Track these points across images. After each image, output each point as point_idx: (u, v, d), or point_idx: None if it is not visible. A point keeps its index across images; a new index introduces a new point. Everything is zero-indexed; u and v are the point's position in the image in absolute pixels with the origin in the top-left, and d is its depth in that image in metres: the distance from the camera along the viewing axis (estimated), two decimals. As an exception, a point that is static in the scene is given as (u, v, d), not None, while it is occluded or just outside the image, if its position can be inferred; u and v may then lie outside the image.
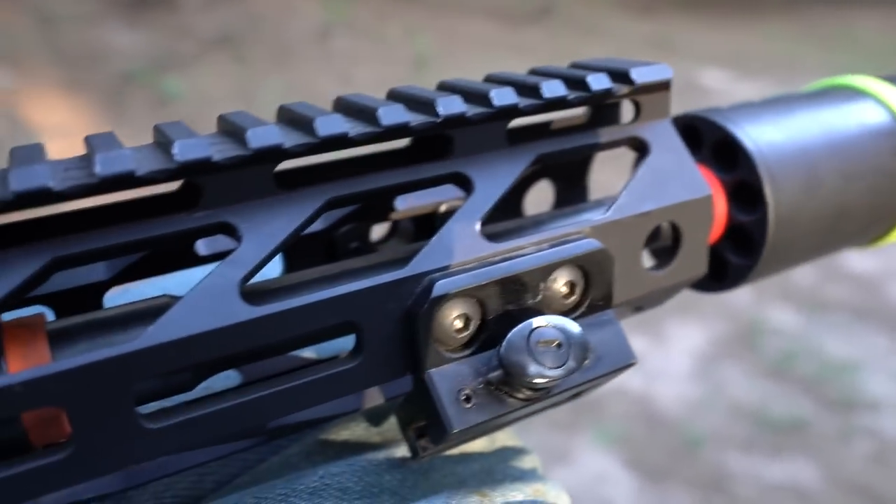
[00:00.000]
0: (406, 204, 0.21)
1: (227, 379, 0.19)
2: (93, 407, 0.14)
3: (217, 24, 3.37)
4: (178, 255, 0.19)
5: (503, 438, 0.23)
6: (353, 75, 3.04)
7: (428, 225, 0.21)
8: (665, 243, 0.21)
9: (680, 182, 0.20)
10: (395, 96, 0.19)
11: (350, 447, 0.19)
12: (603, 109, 0.21)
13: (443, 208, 0.21)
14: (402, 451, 0.20)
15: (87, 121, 2.72)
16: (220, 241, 0.21)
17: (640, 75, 0.19)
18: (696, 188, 0.20)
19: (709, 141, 0.22)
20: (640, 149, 0.21)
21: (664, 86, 0.20)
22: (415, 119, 0.16)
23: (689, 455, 1.36)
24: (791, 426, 1.43)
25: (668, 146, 0.20)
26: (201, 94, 2.90)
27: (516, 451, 0.22)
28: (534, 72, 0.20)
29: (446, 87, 0.19)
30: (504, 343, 0.16)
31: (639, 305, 0.21)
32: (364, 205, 0.21)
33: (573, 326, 0.17)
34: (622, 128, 0.20)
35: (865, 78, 0.25)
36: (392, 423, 0.21)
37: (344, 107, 0.18)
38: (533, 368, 0.16)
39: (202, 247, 0.21)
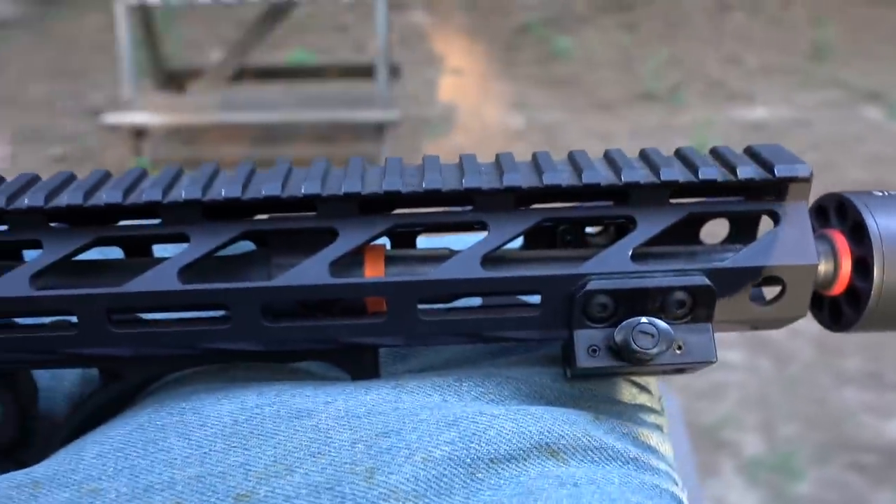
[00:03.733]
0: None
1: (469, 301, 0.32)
2: (399, 299, 0.27)
3: (623, -12, 3.42)
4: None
5: (645, 399, 0.32)
6: (741, 58, 2.91)
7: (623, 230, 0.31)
8: (776, 286, 0.29)
9: (795, 250, 0.27)
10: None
11: (530, 362, 0.32)
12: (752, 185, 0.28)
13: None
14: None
15: (480, 64, 2.96)
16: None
17: (781, 171, 0.27)
18: (806, 257, 0.27)
19: (850, 218, 0.29)
20: (775, 219, 0.28)
21: (804, 179, 0.27)
22: (606, 178, 0.28)
23: None
24: None
25: (796, 222, 0.28)
26: (587, 56, 2.99)
27: (650, 409, 0.32)
28: (714, 151, 0.29)
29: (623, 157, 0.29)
30: (619, 326, 0.26)
31: (754, 326, 0.29)
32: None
33: (664, 326, 0.26)
34: (765, 202, 0.28)
35: None
36: None
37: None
38: (632, 344, 0.26)
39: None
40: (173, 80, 2.40)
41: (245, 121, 2.23)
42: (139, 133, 2.19)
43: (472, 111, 2.59)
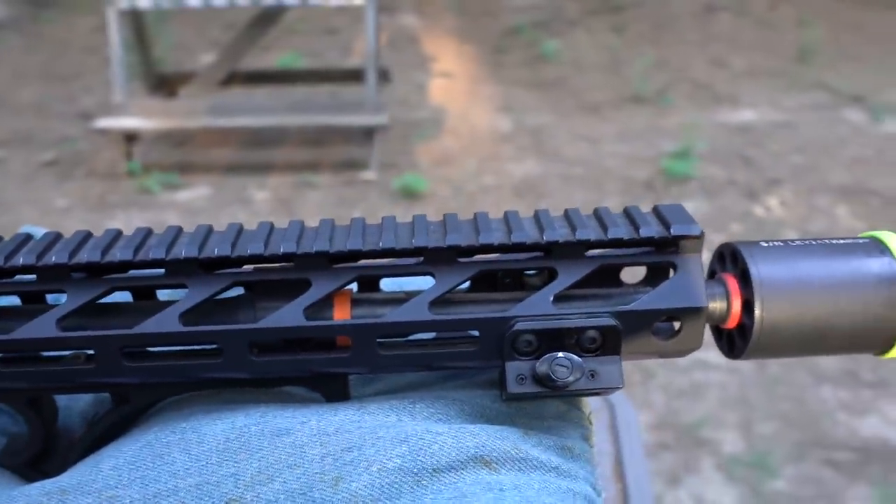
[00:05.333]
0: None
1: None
2: (361, 337, 0.31)
3: (603, -9, 3.45)
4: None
5: (573, 416, 0.36)
6: (727, 61, 2.94)
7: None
8: (674, 325, 0.34)
9: (688, 295, 0.32)
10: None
11: (474, 386, 0.36)
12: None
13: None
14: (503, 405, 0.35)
15: (470, 67, 2.99)
16: None
17: (676, 230, 0.32)
18: (697, 301, 0.32)
19: (740, 265, 0.34)
20: (673, 269, 0.33)
21: (696, 236, 0.32)
22: (531, 236, 0.33)
23: None
24: None
25: (690, 271, 0.32)
26: (575, 59, 3.01)
27: (578, 424, 0.36)
28: (626, 211, 0.34)
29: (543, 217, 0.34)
30: (541, 359, 0.31)
31: (660, 356, 0.34)
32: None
33: (577, 359, 0.31)
34: (664, 254, 0.33)
35: (894, 236, 0.33)
36: None
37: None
38: (550, 374, 0.31)
39: None
40: (164, 83, 2.42)
41: (234, 125, 2.26)
42: (130, 137, 2.22)
43: (461, 114, 2.62)
